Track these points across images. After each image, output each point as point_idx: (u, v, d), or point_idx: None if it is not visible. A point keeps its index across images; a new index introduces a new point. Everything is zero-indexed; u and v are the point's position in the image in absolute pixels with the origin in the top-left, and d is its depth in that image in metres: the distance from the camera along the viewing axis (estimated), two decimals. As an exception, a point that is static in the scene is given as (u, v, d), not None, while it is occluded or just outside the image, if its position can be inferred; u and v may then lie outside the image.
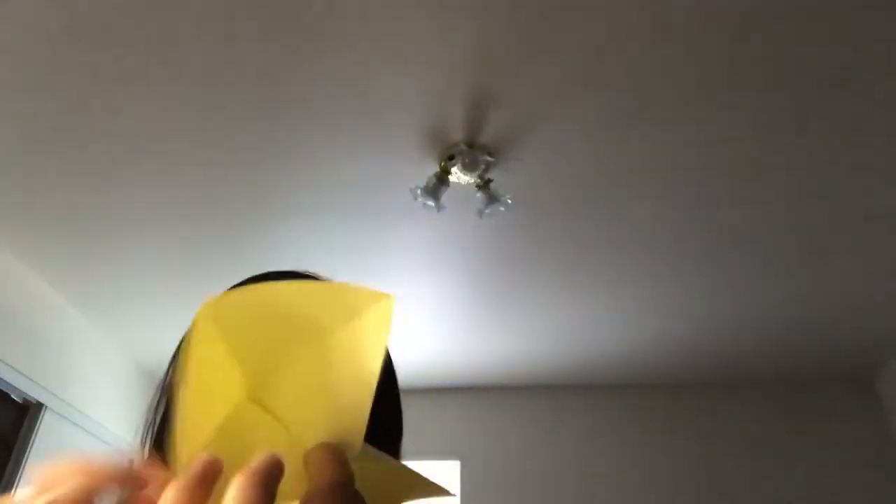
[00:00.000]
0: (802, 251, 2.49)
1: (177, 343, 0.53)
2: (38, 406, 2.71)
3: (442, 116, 1.94)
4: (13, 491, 2.53)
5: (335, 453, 0.28)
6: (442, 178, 2.07)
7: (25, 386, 2.62)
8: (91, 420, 3.04)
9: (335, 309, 0.30)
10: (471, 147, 2.01)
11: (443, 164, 2.05)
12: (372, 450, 0.31)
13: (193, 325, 0.30)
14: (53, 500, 0.26)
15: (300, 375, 0.30)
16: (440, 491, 0.34)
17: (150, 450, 0.53)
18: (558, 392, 3.66)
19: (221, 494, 0.25)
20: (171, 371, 0.54)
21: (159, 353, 3.37)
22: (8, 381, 2.53)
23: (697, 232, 2.41)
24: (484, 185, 2.08)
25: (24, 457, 2.60)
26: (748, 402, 3.51)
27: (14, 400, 2.65)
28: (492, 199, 2.09)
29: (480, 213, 2.13)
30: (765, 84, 1.80)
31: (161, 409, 0.54)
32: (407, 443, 0.55)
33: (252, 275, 0.58)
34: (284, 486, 0.26)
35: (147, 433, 0.54)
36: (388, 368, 0.56)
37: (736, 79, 1.78)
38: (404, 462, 0.35)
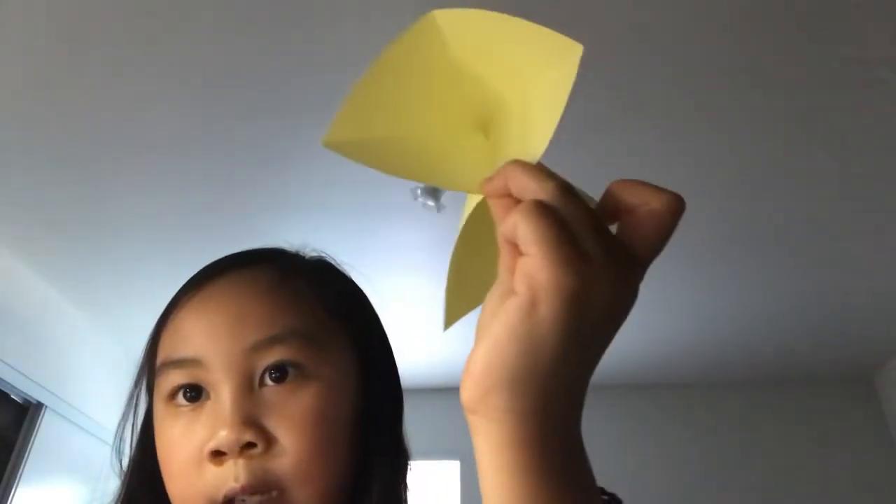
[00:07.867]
0: (803, 251, 2.49)
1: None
2: (38, 406, 2.71)
3: (442, 116, 1.93)
4: (12, 492, 2.53)
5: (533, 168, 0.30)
6: (442, 178, 2.07)
7: (25, 386, 2.62)
8: (91, 420, 3.04)
9: (537, 54, 0.33)
10: (471, 147, 2.01)
11: (443, 164, 2.05)
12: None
13: (415, 28, 0.34)
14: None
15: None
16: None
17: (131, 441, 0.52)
18: (558, 392, 3.65)
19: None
20: (147, 353, 0.53)
21: (159, 353, 3.37)
22: (8, 381, 2.53)
23: (697, 232, 2.41)
24: (484, 185, 2.08)
25: (24, 457, 2.60)
26: (748, 401, 3.51)
27: (14, 400, 2.65)
28: (492, 199, 2.09)
29: (480, 213, 2.13)
30: (768, 83, 1.79)
31: (138, 399, 0.52)
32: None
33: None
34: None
35: (127, 423, 0.53)
36: (386, 347, 0.56)
37: (739, 77, 1.78)
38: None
